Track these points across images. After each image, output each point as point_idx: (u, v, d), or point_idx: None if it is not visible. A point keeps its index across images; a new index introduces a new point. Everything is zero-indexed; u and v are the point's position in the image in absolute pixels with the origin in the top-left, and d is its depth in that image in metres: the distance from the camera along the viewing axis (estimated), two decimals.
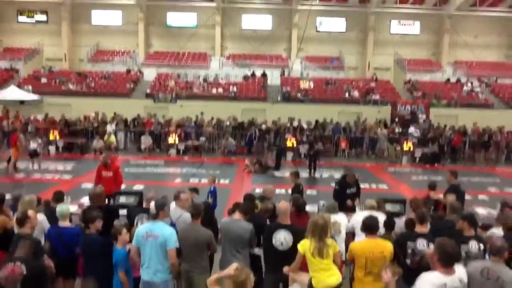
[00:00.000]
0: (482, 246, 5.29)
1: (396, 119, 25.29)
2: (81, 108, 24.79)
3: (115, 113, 23.65)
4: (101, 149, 19.67)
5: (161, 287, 5.37)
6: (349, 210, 8.20)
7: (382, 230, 5.76)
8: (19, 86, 26.66)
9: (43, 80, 28.84)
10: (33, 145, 16.70)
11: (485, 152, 22.27)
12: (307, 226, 4.39)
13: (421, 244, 5.29)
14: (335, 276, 4.13)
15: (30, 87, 26.93)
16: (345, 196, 9.27)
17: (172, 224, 6.02)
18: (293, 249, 5.17)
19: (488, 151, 22.30)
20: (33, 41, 33.30)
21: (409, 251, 5.30)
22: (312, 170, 17.30)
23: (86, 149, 20.94)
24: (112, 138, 20.86)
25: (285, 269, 4.59)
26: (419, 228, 5.51)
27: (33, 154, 16.62)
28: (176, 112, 24.93)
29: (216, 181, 11.05)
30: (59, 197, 6.91)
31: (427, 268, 4.42)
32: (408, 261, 5.26)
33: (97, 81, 29.28)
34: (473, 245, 5.27)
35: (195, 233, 5.63)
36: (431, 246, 5.17)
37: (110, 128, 21.84)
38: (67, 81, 28.58)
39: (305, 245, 4.24)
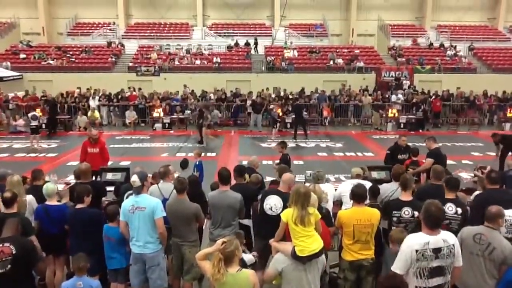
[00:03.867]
0: (459, 210, 5.36)
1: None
2: (62, 83, 24.35)
3: (89, 88, 23.33)
4: (85, 125, 19.53)
5: (152, 258, 5.38)
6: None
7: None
8: None
9: (22, 55, 28.16)
10: (33, 122, 16.61)
11: (468, 116, 22.57)
12: (290, 195, 4.44)
13: (406, 212, 5.37)
14: (317, 242, 4.23)
15: (8, 64, 26.30)
16: (396, 162, 8.86)
17: (165, 200, 6.00)
18: None
19: (471, 115, 22.57)
20: (8, 13, 32.19)
21: (395, 219, 5.40)
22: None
23: (70, 126, 20.69)
24: (96, 113, 20.61)
25: (271, 241, 4.66)
26: (403, 196, 5.57)
27: (35, 131, 16.58)
28: (160, 85, 24.63)
29: (203, 154, 11.04)
30: (37, 175, 6.78)
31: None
32: (393, 228, 5.34)
33: (77, 56, 28.68)
34: (450, 207, 5.33)
35: (181, 207, 5.63)
36: (416, 213, 5.29)
37: (93, 103, 21.54)
38: (47, 56, 27.96)
39: (287, 214, 4.30)
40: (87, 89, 23.47)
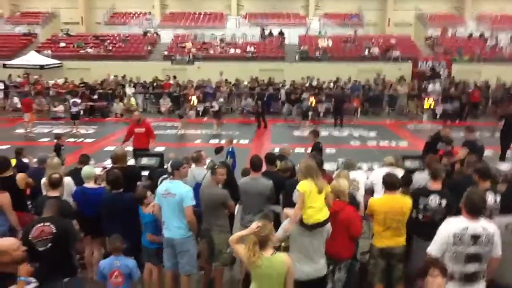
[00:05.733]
0: (498, 198, 5.21)
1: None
2: (99, 72, 24.91)
3: (124, 76, 23.67)
4: (122, 112, 20.01)
5: (181, 244, 5.44)
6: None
7: None
8: (38, 51, 26.82)
9: (62, 44, 28.93)
10: (74, 108, 17.26)
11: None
12: (300, 172, 4.69)
13: (433, 200, 5.25)
14: (324, 213, 4.54)
15: (49, 52, 27.09)
16: (433, 151, 8.75)
17: (198, 184, 6.09)
18: None
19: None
20: (49, 4, 33.13)
21: (421, 206, 5.28)
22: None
23: (107, 112, 21.19)
24: (132, 100, 21.05)
25: (287, 210, 4.94)
26: (432, 184, 5.46)
27: (75, 117, 17.36)
28: (194, 74, 24.86)
29: (235, 141, 11.13)
30: (84, 159, 7.07)
31: (439, 223, 4.38)
32: (420, 216, 5.27)
33: (114, 45, 29.25)
34: (489, 197, 5.16)
35: (210, 193, 5.68)
36: (443, 202, 5.21)
37: (129, 90, 21.98)
38: (86, 45, 28.63)
39: (304, 185, 4.50)
40: (122, 77, 23.96)
